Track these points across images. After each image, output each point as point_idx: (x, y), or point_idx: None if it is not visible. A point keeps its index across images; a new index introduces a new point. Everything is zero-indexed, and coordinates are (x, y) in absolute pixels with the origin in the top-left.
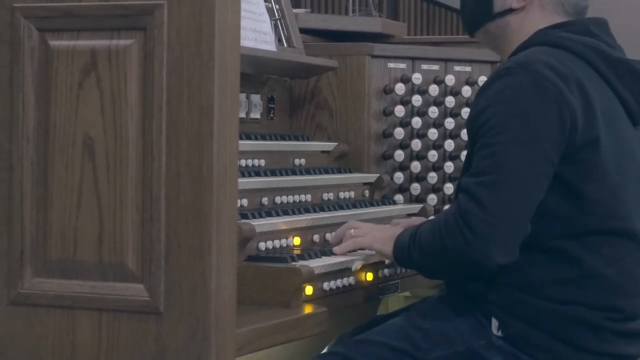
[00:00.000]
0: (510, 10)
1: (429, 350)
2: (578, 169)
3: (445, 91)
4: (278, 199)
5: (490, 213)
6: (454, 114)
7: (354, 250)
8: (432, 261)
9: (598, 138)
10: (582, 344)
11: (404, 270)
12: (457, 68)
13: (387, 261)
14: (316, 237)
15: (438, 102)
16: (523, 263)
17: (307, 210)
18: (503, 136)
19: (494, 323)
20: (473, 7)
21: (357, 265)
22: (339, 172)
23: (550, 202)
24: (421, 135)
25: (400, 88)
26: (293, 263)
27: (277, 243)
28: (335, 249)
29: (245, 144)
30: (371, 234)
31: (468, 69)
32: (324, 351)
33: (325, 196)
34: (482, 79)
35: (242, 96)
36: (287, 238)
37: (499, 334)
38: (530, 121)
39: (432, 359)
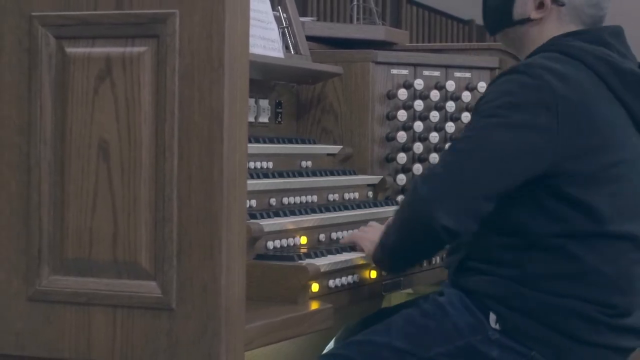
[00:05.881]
0: (529, 20)
1: (429, 347)
2: (575, 180)
3: (446, 96)
4: (285, 200)
5: (448, 175)
6: (455, 118)
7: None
8: (394, 231)
9: (596, 148)
10: (578, 336)
11: None
12: (458, 74)
13: None
14: (322, 237)
15: (439, 107)
16: (523, 258)
17: (313, 211)
18: (490, 119)
19: (492, 317)
20: (493, 12)
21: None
22: (344, 174)
23: (549, 205)
24: (423, 138)
25: (402, 93)
26: (300, 261)
27: (284, 242)
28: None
29: (254, 147)
30: (366, 233)
31: (468, 75)
32: (328, 348)
33: (331, 197)
34: (481, 85)
35: (251, 101)
36: (294, 237)
37: (497, 327)
38: (520, 116)
39: (432, 355)
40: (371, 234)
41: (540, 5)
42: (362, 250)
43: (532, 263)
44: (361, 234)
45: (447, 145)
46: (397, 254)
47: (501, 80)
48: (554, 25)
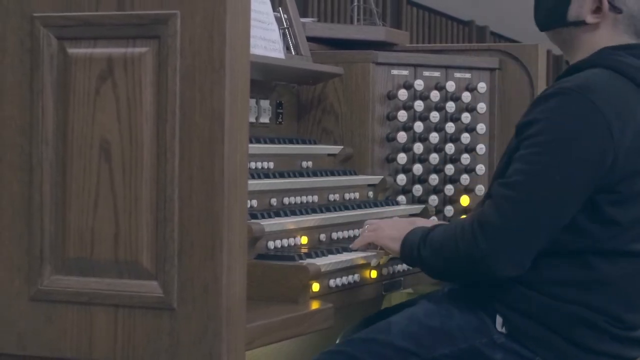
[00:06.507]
0: (583, 23)
1: (432, 347)
2: (613, 199)
3: (446, 97)
4: (286, 200)
5: (509, 227)
6: (454, 118)
7: (368, 246)
8: (440, 261)
9: (639, 171)
10: (583, 343)
11: (406, 268)
12: (458, 75)
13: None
14: (323, 237)
15: (439, 107)
16: (539, 263)
17: (314, 211)
18: (542, 157)
19: (498, 320)
20: (547, 9)
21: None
22: (345, 174)
23: (579, 221)
24: (423, 139)
25: (403, 94)
26: (300, 261)
27: (285, 242)
28: (351, 245)
29: (255, 148)
30: (380, 230)
31: (468, 75)
32: (332, 348)
33: (332, 197)
34: (481, 85)
35: (252, 102)
36: (294, 237)
37: (503, 330)
38: (572, 151)
39: (436, 357)
40: (388, 231)
41: (597, 10)
42: (379, 250)
43: (546, 268)
44: (375, 234)
45: (500, 189)
46: (435, 273)
47: (551, 104)
48: (608, 33)
